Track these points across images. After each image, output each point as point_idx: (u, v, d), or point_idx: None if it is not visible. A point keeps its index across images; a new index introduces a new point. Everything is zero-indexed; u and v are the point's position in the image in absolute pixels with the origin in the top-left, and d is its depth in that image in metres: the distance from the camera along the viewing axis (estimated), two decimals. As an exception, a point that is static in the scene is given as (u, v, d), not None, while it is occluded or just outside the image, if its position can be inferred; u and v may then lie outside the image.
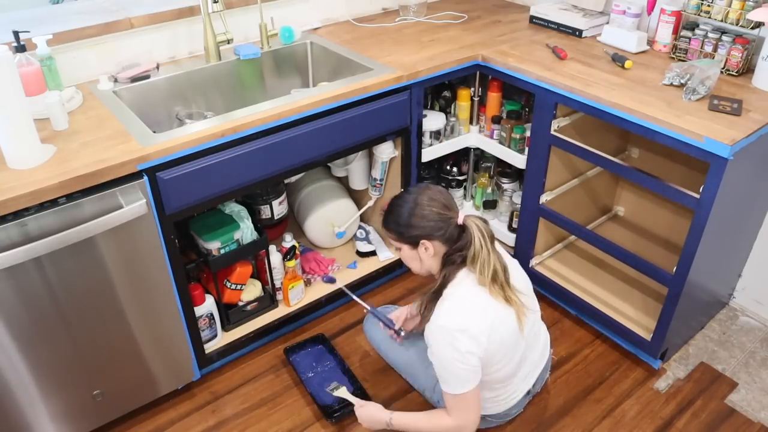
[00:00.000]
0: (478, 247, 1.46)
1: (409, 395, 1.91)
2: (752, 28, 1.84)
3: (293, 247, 2.08)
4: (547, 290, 2.26)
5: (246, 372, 2.02)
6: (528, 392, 1.74)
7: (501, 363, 1.54)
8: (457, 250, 1.49)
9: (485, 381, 1.54)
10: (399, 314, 1.83)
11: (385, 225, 1.56)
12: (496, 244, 1.56)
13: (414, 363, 1.79)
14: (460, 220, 1.47)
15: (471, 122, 2.34)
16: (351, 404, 1.81)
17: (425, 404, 1.86)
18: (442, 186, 1.88)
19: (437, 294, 1.51)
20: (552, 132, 1.98)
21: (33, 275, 1.43)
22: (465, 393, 1.48)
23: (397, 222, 1.51)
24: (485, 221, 1.50)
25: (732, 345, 2.12)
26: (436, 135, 2.23)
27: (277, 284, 2.10)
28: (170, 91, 1.96)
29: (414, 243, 1.51)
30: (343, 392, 1.81)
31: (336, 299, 2.22)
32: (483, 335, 1.44)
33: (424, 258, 1.53)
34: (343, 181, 2.42)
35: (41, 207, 1.39)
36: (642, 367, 2.02)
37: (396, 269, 2.36)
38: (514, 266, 1.61)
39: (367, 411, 1.69)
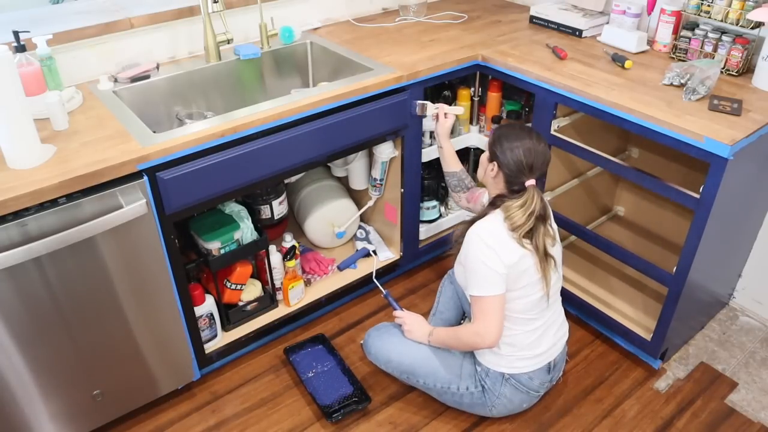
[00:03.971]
0: (516, 211, 1.57)
1: (409, 395, 1.91)
2: (752, 28, 1.84)
3: (293, 247, 2.08)
4: (547, 290, 2.26)
5: (246, 372, 2.02)
6: (549, 370, 1.75)
7: (524, 290, 1.64)
8: (507, 198, 1.62)
9: (512, 306, 1.66)
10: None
11: (493, 132, 1.69)
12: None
13: (432, 357, 1.78)
14: (527, 183, 1.58)
15: (471, 122, 2.34)
16: (351, 404, 1.81)
17: (424, 404, 1.86)
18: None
19: (475, 221, 1.64)
20: (552, 132, 1.98)
21: (33, 275, 1.43)
22: (487, 296, 1.60)
23: (498, 133, 1.65)
24: (544, 203, 1.61)
25: (732, 345, 2.12)
26: (436, 135, 2.24)
27: (277, 284, 2.10)
28: (170, 91, 1.96)
29: (491, 158, 1.65)
30: (430, 109, 1.98)
31: (336, 299, 2.22)
32: (513, 253, 1.58)
33: (488, 174, 1.67)
34: (343, 181, 2.42)
35: (41, 207, 1.39)
36: (642, 367, 2.02)
37: (396, 269, 2.36)
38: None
39: (412, 321, 1.84)
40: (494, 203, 1.64)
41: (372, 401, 1.87)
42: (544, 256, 1.61)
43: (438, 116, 2.00)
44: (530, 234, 1.59)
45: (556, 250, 1.69)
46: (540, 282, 1.63)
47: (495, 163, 1.63)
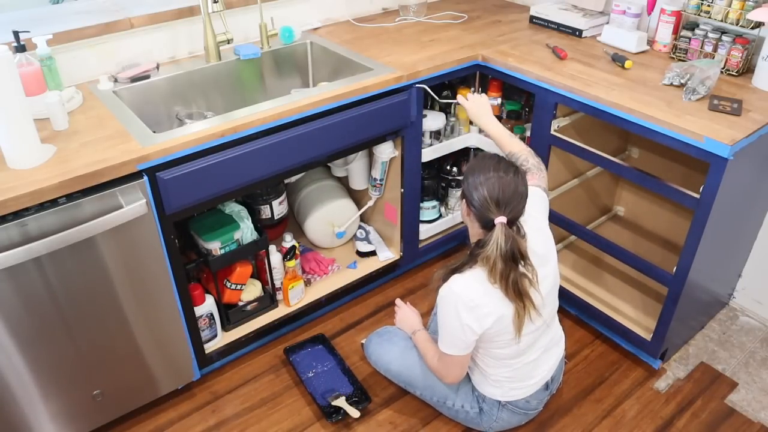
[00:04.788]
0: (490, 254, 1.43)
1: (409, 396, 1.90)
2: (752, 28, 1.84)
3: (293, 247, 2.08)
4: (547, 290, 2.26)
5: (246, 372, 2.02)
6: (547, 386, 1.74)
7: (509, 341, 1.58)
8: (480, 246, 1.47)
9: (498, 353, 1.61)
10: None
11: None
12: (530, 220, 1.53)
13: (430, 372, 1.76)
14: (496, 220, 1.42)
15: (471, 122, 2.34)
16: (351, 405, 1.82)
17: (424, 405, 1.86)
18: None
19: (457, 270, 1.52)
20: (552, 132, 1.98)
21: (33, 275, 1.43)
22: (454, 356, 1.59)
23: (467, 167, 1.59)
24: (516, 243, 1.43)
25: (732, 345, 2.12)
26: (436, 135, 2.24)
27: (277, 284, 2.10)
28: (170, 91, 1.96)
29: (461, 194, 1.55)
30: (342, 402, 1.82)
31: (336, 299, 2.22)
32: (488, 318, 1.50)
33: (463, 214, 1.58)
34: (343, 181, 2.42)
35: (41, 207, 1.39)
36: (642, 367, 2.02)
37: (396, 269, 2.36)
38: (534, 226, 1.57)
39: (405, 314, 1.87)
40: (473, 253, 1.49)
41: (372, 401, 1.87)
42: (520, 299, 1.48)
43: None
44: (511, 280, 1.45)
45: (545, 286, 1.55)
46: (529, 326, 1.55)
47: (464, 200, 1.52)
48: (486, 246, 1.44)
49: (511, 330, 1.53)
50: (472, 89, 2.25)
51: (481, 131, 1.89)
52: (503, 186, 1.42)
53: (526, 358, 1.65)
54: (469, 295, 1.48)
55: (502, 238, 1.41)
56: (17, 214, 1.36)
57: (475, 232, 1.54)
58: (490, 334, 1.54)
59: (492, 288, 1.48)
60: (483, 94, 1.91)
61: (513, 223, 1.45)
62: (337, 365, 1.99)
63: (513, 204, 1.43)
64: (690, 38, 1.98)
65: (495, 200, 1.42)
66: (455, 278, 1.51)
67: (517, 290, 1.47)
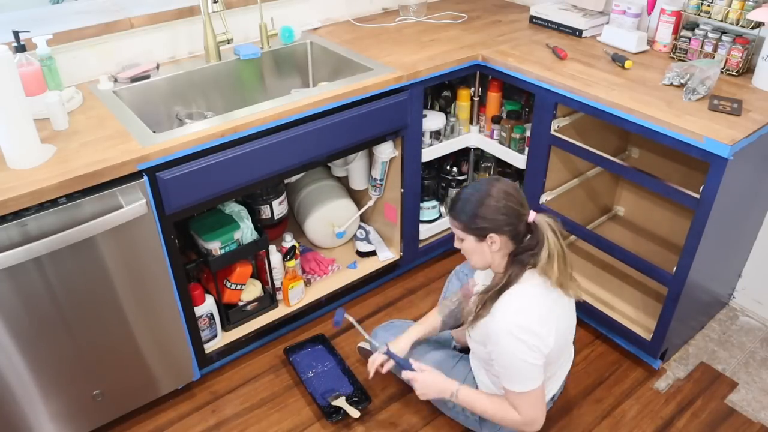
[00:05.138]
0: (553, 247, 1.39)
1: (409, 395, 1.90)
2: (752, 28, 1.84)
3: (293, 247, 2.08)
4: (547, 290, 2.26)
5: (246, 372, 2.02)
6: (553, 398, 1.68)
7: (560, 361, 1.54)
8: (527, 249, 1.42)
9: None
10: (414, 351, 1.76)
11: (451, 213, 1.48)
12: None
13: (441, 366, 1.70)
14: (530, 218, 1.40)
15: (471, 122, 2.34)
16: (351, 405, 1.82)
17: (425, 405, 1.86)
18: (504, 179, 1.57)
19: (500, 292, 1.43)
20: (552, 132, 1.98)
21: (33, 275, 1.43)
22: (532, 390, 1.44)
23: (464, 211, 1.43)
24: (556, 220, 1.42)
25: (732, 345, 2.12)
26: (436, 135, 2.24)
27: (277, 284, 2.10)
28: (170, 91, 1.96)
29: (481, 235, 1.43)
30: (342, 402, 1.82)
31: (336, 299, 2.22)
32: (551, 336, 1.42)
33: (488, 252, 1.45)
34: (343, 181, 2.42)
35: (41, 207, 1.39)
36: (642, 367, 2.02)
37: (396, 269, 2.36)
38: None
39: (430, 378, 1.60)
40: (515, 262, 1.42)
41: (372, 401, 1.87)
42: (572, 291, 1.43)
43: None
44: (566, 273, 1.41)
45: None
46: (572, 331, 1.52)
47: (489, 235, 1.41)
48: (539, 244, 1.38)
49: (567, 334, 1.47)
50: (472, 88, 2.26)
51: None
52: (510, 190, 1.41)
53: (548, 372, 1.53)
54: (528, 321, 1.39)
55: (553, 226, 1.38)
56: (17, 214, 1.36)
57: (498, 262, 1.47)
58: (555, 351, 1.44)
59: (548, 299, 1.41)
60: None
61: None
62: (337, 365, 1.99)
63: (526, 200, 1.43)
64: (690, 38, 1.98)
65: (520, 202, 1.40)
66: (503, 311, 1.40)
67: (571, 282, 1.43)
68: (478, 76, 2.23)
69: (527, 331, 1.38)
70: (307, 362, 2.01)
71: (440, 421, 1.84)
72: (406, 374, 1.66)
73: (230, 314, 2.01)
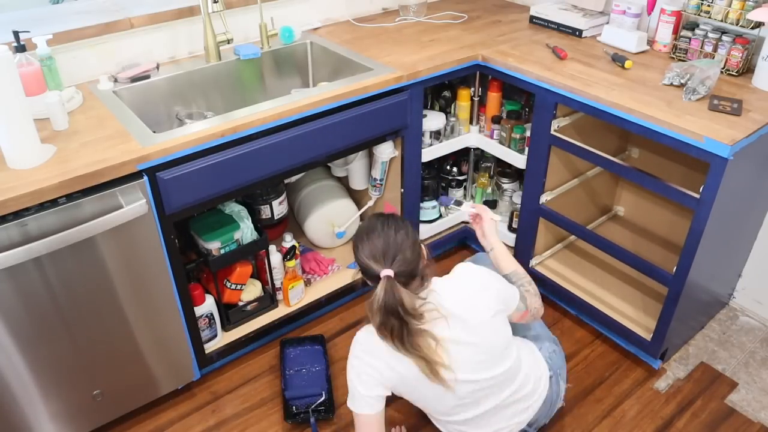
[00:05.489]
0: (376, 308, 1.41)
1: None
2: (752, 28, 1.84)
3: (293, 247, 2.08)
4: (547, 290, 2.26)
5: (246, 372, 2.02)
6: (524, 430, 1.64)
7: (419, 401, 1.55)
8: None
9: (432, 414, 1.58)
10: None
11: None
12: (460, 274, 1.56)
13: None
14: (381, 273, 1.39)
15: (471, 122, 2.34)
16: (317, 410, 1.82)
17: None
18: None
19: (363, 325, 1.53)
20: (552, 132, 1.98)
21: (33, 275, 1.43)
22: (356, 413, 1.47)
23: (355, 234, 1.49)
24: (401, 291, 1.38)
25: (732, 345, 2.12)
26: (436, 135, 2.24)
27: (277, 284, 2.10)
28: (170, 91, 1.96)
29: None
30: (465, 207, 1.85)
31: (336, 299, 2.22)
32: (386, 369, 1.45)
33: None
34: (343, 181, 2.42)
35: (41, 207, 1.39)
36: (642, 367, 2.02)
37: (396, 269, 2.36)
38: (472, 288, 1.52)
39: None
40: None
41: (335, 415, 1.84)
42: (423, 360, 1.40)
43: (477, 217, 1.77)
44: (396, 334, 1.40)
45: (462, 348, 1.44)
46: (434, 386, 1.45)
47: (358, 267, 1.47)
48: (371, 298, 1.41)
49: (410, 379, 1.45)
50: (472, 88, 2.26)
51: (486, 249, 1.77)
52: (386, 239, 1.39)
53: (464, 414, 1.54)
54: (366, 342, 1.48)
55: (382, 291, 1.38)
56: (17, 214, 1.36)
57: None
58: (408, 389, 1.49)
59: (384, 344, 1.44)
60: (496, 217, 1.78)
61: (404, 276, 1.40)
62: (324, 370, 1.97)
63: (398, 256, 1.38)
64: (690, 38, 1.98)
65: (376, 255, 1.39)
66: (360, 331, 1.51)
67: (410, 345, 1.39)
68: (478, 76, 2.23)
69: (367, 349, 1.48)
70: (299, 360, 2.00)
71: None
72: (468, 209, 1.80)
73: (230, 314, 2.01)
